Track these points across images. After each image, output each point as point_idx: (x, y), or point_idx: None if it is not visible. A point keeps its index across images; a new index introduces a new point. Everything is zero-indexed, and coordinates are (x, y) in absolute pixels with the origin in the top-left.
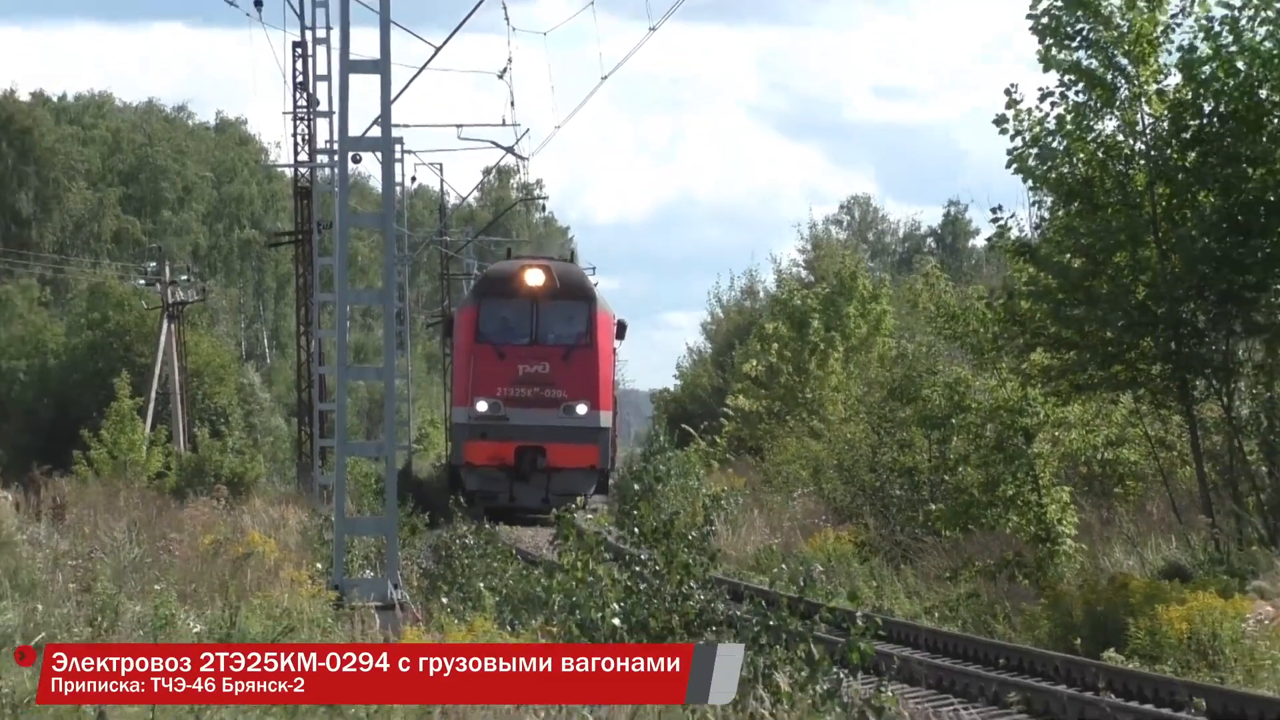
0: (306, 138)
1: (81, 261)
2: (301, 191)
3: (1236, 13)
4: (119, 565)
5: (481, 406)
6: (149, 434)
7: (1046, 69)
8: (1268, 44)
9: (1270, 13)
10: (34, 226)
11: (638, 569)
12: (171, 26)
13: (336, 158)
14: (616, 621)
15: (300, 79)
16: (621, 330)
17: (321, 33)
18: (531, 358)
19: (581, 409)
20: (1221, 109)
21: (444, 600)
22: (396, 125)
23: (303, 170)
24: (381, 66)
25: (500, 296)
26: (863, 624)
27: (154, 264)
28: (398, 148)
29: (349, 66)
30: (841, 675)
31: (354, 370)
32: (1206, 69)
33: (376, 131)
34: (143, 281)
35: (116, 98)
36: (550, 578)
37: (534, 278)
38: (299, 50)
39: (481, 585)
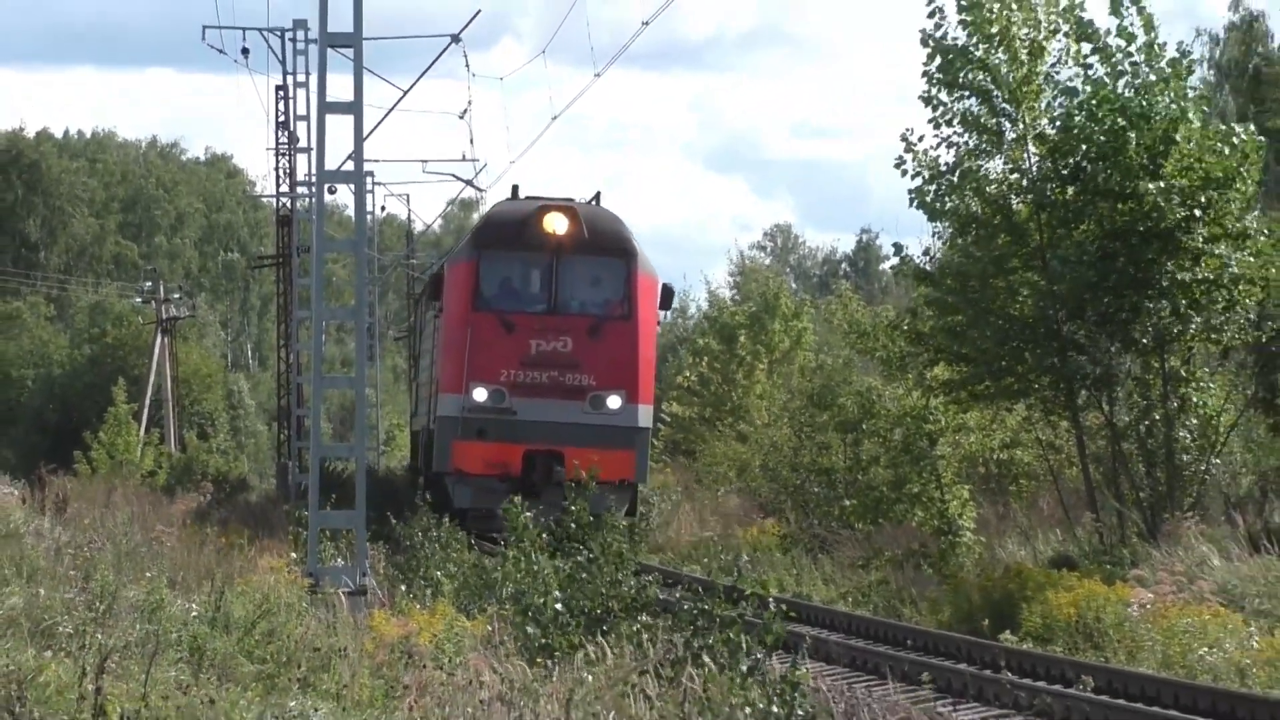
0: (287, 171)
1: (84, 281)
2: (283, 219)
3: (1103, 70)
4: (116, 554)
5: (479, 395)
6: (143, 436)
7: (937, 127)
8: (1127, 92)
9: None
10: (41, 250)
11: (577, 559)
12: (164, 72)
13: (314, 189)
14: (559, 607)
15: (282, 119)
16: (668, 298)
17: (301, 77)
18: (549, 331)
19: (614, 401)
20: (1093, 152)
21: (403, 588)
22: (368, 160)
23: (284, 200)
24: (355, 108)
25: (508, 247)
26: (774, 609)
27: (149, 284)
28: (369, 180)
29: (326, 108)
30: (761, 655)
31: (328, 379)
32: (1079, 118)
33: (350, 166)
34: (139, 299)
35: (117, 135)
36: (501, 568)
37: (555, 224)
38: (281, 93)
39: (439, 574)
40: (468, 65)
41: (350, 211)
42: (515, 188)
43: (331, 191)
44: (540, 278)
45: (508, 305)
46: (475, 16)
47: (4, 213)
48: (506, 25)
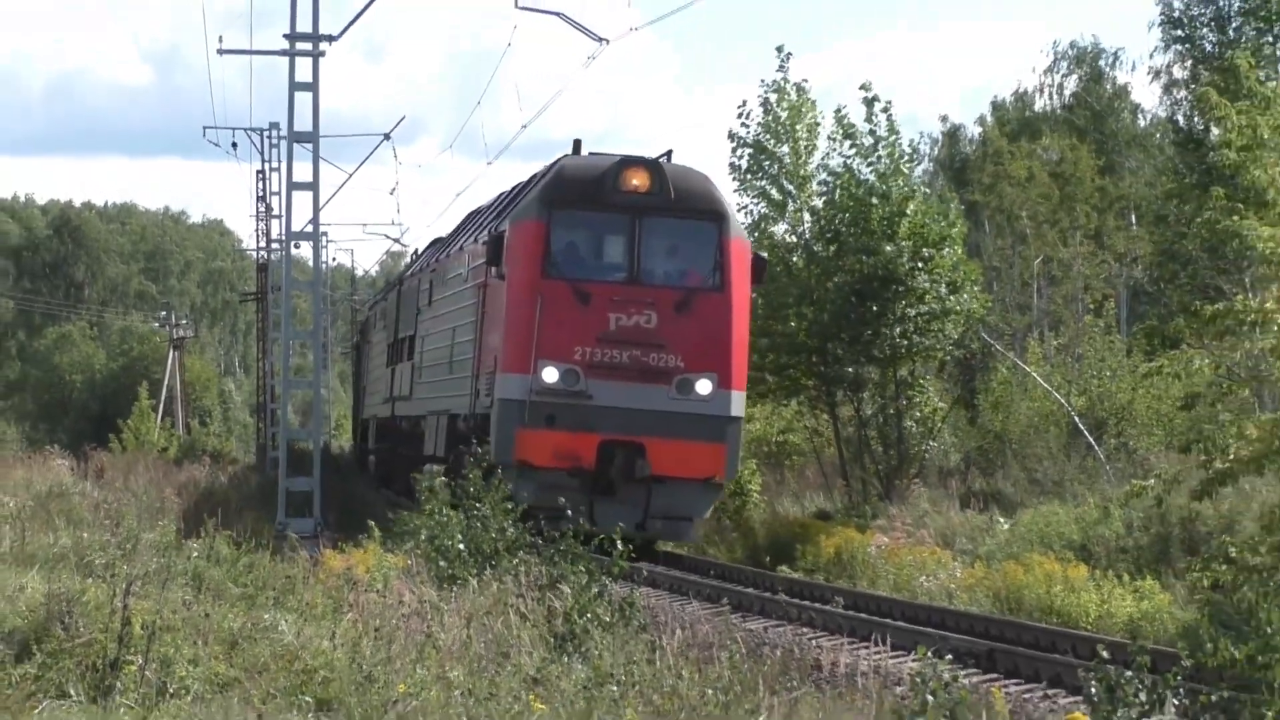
0: (264, 232)
1: (116, 311)
2: (260, 267)
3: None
4: (138, 508)
5: (550, 376)
6: (159, 423)
7: (741, 197)
8: (871, 177)
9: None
10: (85, 289)
11: (473, 512)
12: (174, 160)
13: (283, 245)
14: (461, 547)
15: (260, 194)
16: (760, 269)
17: (274, 164)
18: (630, 304)
19: (705, 386)
20: (847, 220)
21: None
22: (323, 224)
23: (261, 253)
24: (313, 186)
25: (584, 207)
26: (620, 549)
27: (164, 313)
28: (323, 239)
29: (292, 186)
30: (607, 582)
31: (293, 382)
32: (838, 195)
33: (310, 228)
34: (156, 324)
35: (139, 205)
36: (418, 518)
37: (637, 180)
38: (260, 175)
39: (371, 523)
40: (395, 155)
41: (310, 261)
42: (578, 142)
43: (296, 246)
44: (620, 242)
45: (582, 273)
46: (401, 120)
47: (58, 262)
48: (424, 127)
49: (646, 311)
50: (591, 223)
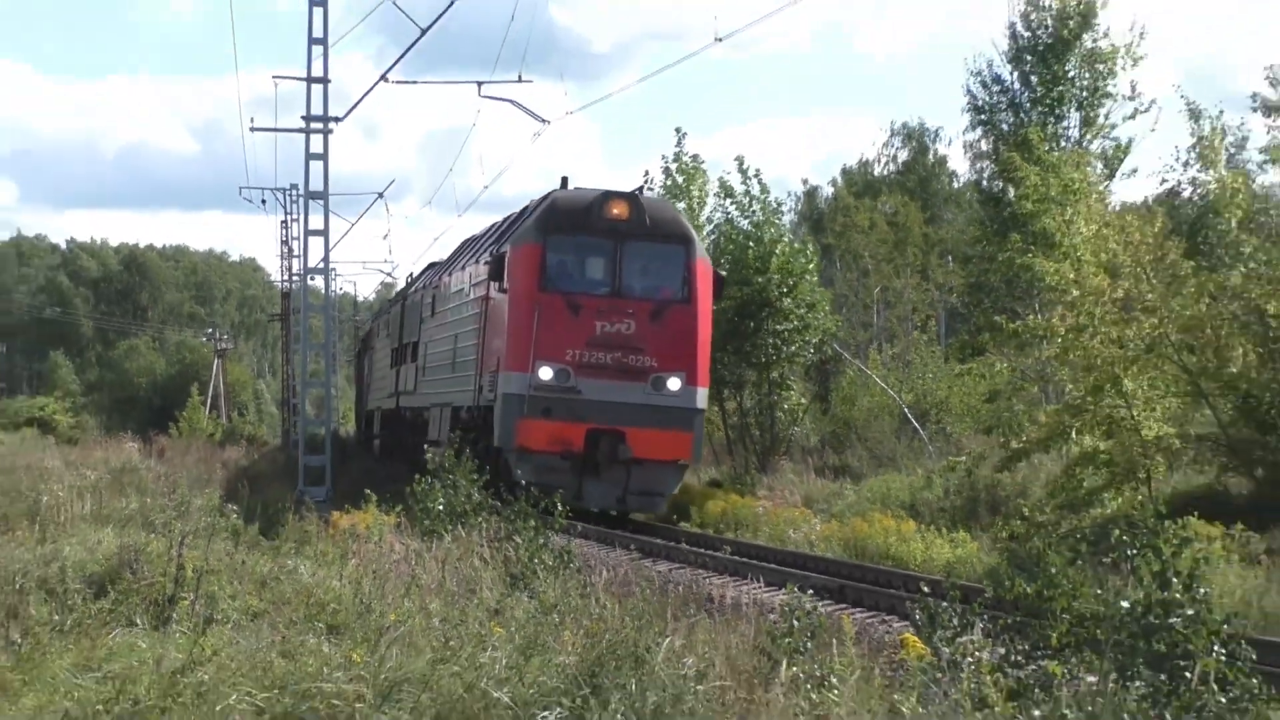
0: (287, 267)
1: (173, 329)
2: (284, 294)
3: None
4: (190, 479)
5: (545, 374)
6: (207, 415)
7: None
8: (747, 226)
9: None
10: (148, 311)
11: (449, 481)
12: (217, 212)
13: (301, 278)
14: (440, 508)
15: (284, 238)
16: (720, 285)
17: (295, 215)
18: (613, 313)
19: (674, 383)
20: (730, 259)
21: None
22: (331, 262)
23: (285, 284)
24: (324, 233)
25: (573, 232)
26: (561, 509)
27: (210, 330)
28: (332, 273)
29: (308, 233)
30: (551, 535)
31: (310, 383)
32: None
33: (321, 265)
34: (204, 339)
35: (190, 247)
36: (409, 487)
37: (618, 210)
38: (283, 224)
39: (368, 491)
40: (387, 209)
41: (322, 290)
42: (565, 179)
43: (311, 279)
44: (604, 262)
45: (573, 287)
46: (391, 183)
47: (127, 290)
48: (409, 188)
49: (627, 320)
50: (580, 245)
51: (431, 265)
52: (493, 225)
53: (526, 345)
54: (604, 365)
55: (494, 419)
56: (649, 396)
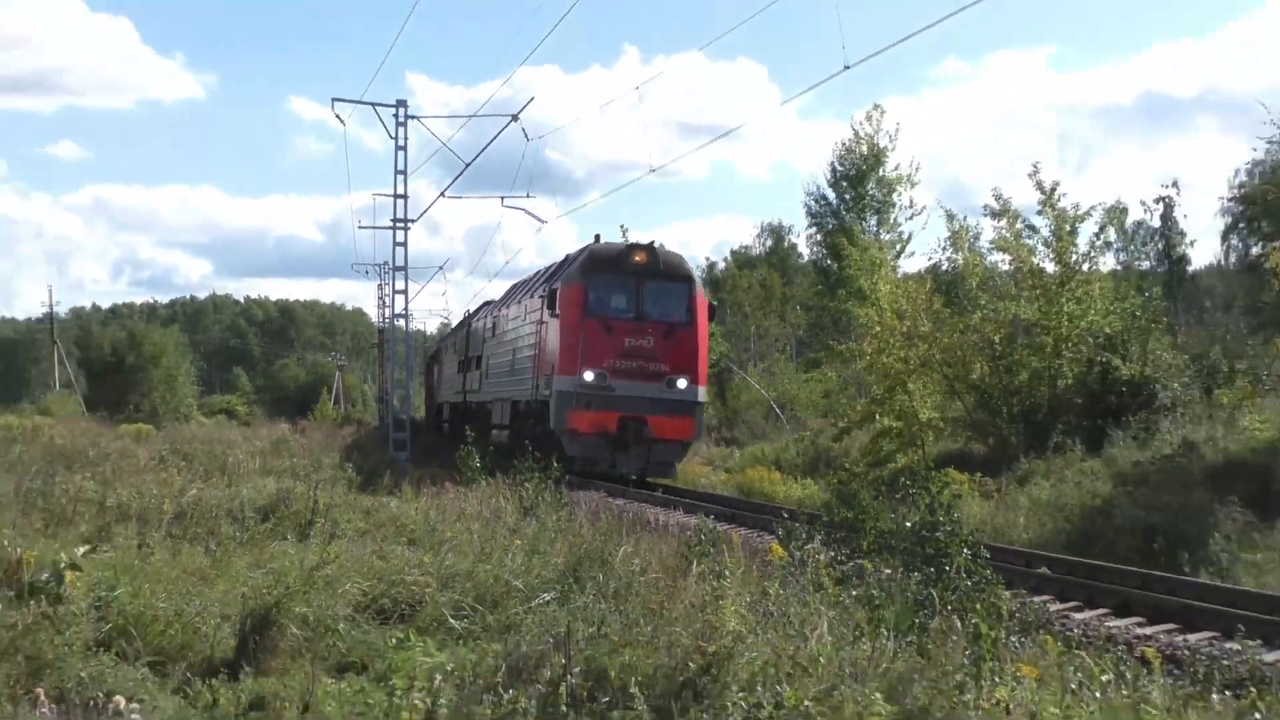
0: (382, 314)
1: (311, 353)
2: (380, 330)
3: None
4: (320, 447)
5: (588, 376)
6: (332, 408)
7: None
8: None
9: None
10: (294, 342)
11: (485, 449)
12: (336, 280)
13: (392, 320)
14: (477, 465)
15: (380, 295)
16: (713, 312)
17: (386, 281)
18: (637, 333)
19: (682, 383)
20: None
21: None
22: (410, 309)
23: (380, 324)
24: (404, 292)
25: (609, 272)
26: (557, 466)
27: (334, 353)
28: (410, 316)
29: (395, 292)
30: (549, 483)
31: (396, 386)
32: None
33: (403, 312)
34: (331, 359)
35: (321, 301)
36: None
37: (639, 258)
38: (380, 286)
39: (435, 460)
40: (444, 277)
41: (403, 327)
42: (598, 235)
43: (396, 320)
44: (629, 295)
45: (608, 313)
46: (446, 260)
47: (281, 329)
48: (458, 262)
49: (647, 337)
50: (612, 283)
51: (486, 303)
52: (537, 272)
53: (574, 356)
54: (631, 370)
55: (549, 410)
56: (664, 393)
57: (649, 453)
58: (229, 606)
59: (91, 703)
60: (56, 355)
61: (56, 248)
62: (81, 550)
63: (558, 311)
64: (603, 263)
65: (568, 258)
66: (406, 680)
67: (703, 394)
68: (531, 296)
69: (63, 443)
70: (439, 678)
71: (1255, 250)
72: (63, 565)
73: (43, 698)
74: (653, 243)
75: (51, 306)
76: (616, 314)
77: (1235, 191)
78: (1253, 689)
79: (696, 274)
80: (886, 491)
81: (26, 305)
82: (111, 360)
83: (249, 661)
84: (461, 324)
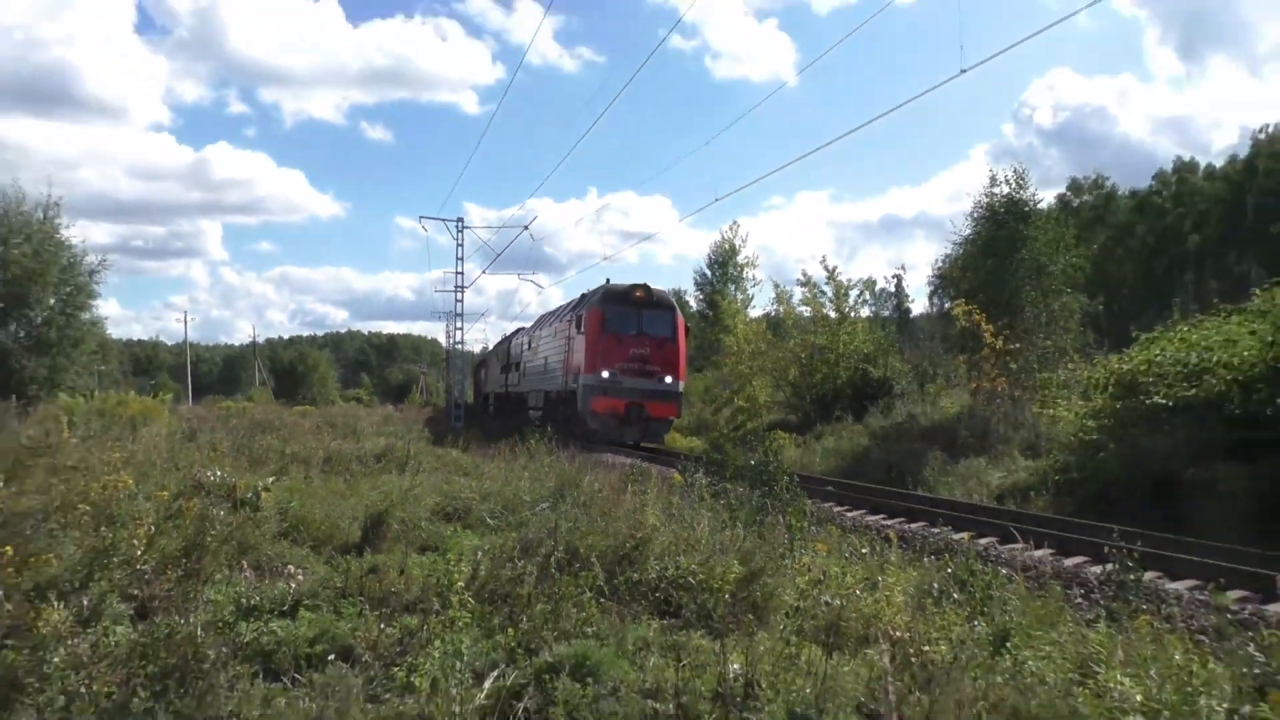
0: (449, 341)
1: (408, 367)
2: (447, 352)
3: None
4: (409, 420)
5: (605, 374)
6: (418, 397)
7: None
8: None
9: None
10: (395, 359)
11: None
12: (423, 321)
13: (452, 348)
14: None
15: (448, 331)
16: (688, 332)
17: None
18: (638, 344)
19: (668, 379)
20: None
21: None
22: (465, 340)
23: (448, 348)
24: (460, 329)
25: (619, 304)
26: (543, 434)
27: (419, 365)
28: (461, 345)
29: (454, 329)
30: (542, 441)
31: (455, 384)
32: None
33: (459, 342)
34: (417, 367)
35: (413, 334)
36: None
37: (639, 293)
38: (447, 326)
39: (475, 430)
40: (484, 321)
41: (460, 349)
42: (608, 279)
43: (456, 346)
44: (633, 318)
45: (618, 330)
46: (485, 312)
47: (389, 350)
48: (492, 311)
49: (645, 348)
50: (621, 310)
51: (519, 329)
52: (558, 307)
53: (595, 360)
54: (634, 370)
55: (576, 398)
56: (656, 386)
57: (646, 427)
58: (357, 512)
59: (274, 569)
60: (257, 366)
61: (257, 303)
62: (270, 480)
63: (583, 330)
64: (615, 296)
65: (584, 295)
66: (458, 555)
67: (681, 386)
68: (560, 321)
69: (259, 418)
70: (479, 553)
71: (947, 305)
72: (260, 488)
73: (245, 567)
74: (647, 284)
75: (254, 337)
76: (624, 331)
77: (936, 271)
78: (946, 554)
79: (677, 305)
80: (741, 443)
81: (241, 337)
82: (289, 369)
83: (369, 544)
84: (501, 343)
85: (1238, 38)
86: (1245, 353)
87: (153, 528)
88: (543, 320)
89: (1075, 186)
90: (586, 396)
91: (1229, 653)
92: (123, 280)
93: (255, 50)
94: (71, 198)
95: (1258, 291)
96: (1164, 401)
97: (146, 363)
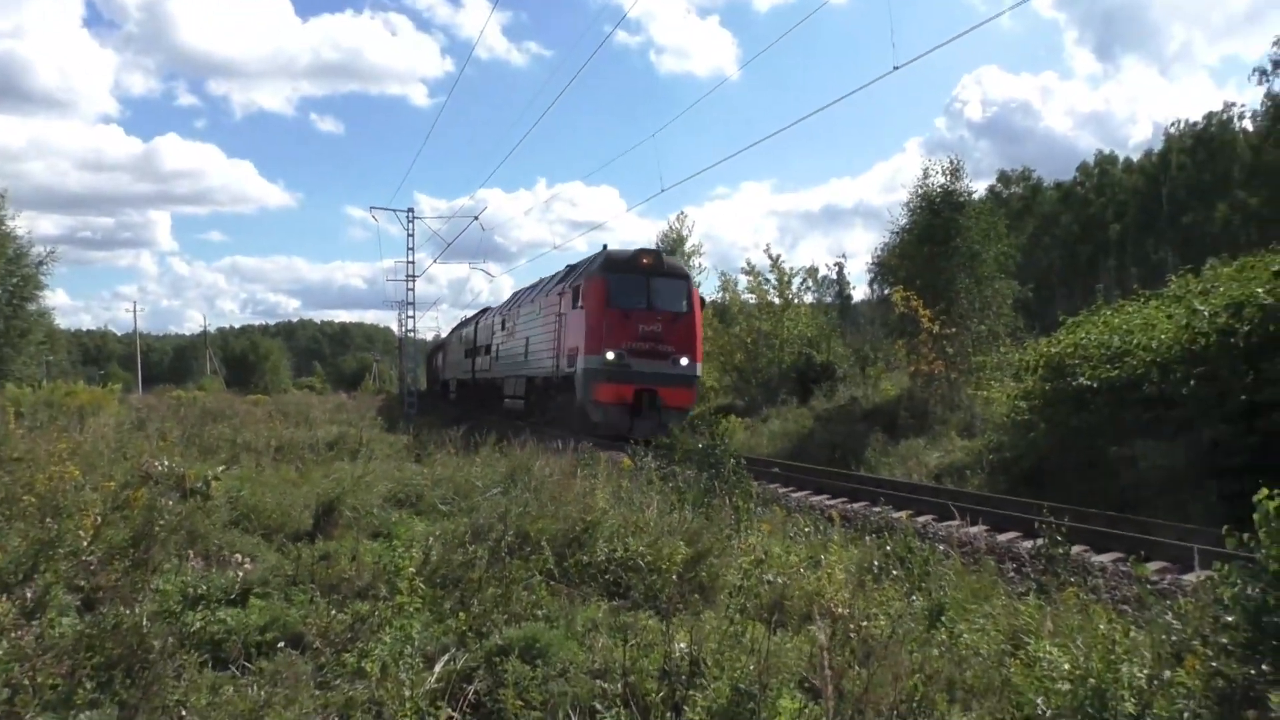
0: (402, 330)
1: (360, 354)
2: (400, 340)
3: None
4: (362, 407)
5: (610, 356)
6: (371, 384)
7: None
8: None
9: None
10: (350, 347)
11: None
12: (375, 310)
13: (403, 337)
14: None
15: (400, 319)
16: (703, 303)
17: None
18: (648, 320)
19: (684, 361)
20: None
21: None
22: (417, 328)
23: (400, 336)
24: (412, 317)
25: (623, 272)
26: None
27: (372, 353)
28: (414, 333)
29: (406, 317)
30: (526, 430)
31: (407, 370)
32: None
33: (411, 331)
34: (370, 355)
35: (365, 323)
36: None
37: (647, 259)
38: (399, 315)
39: (430, 417)
40: (436, 310)
41: (413, 336)
42: (605, 245)
43: (407, 334)
44: (642, 290)
45: (625, 304)
46: (437, 301)
47: (342, 338)
48: (444, 299)
49: (657, 324)
50: (627, 280)
51: (483, 310)
52: (539, 281)
53: (599, 338)
54: (644, 350)
55: (575, 384)
56: (671, 369)
57: (659, 417)
58: (309, 499)
59: (223, 558)
60: (208, 355)
61: (208, 292)
62: (220, 468)
63: (581, 304)
64: (619, 264)
65: (572, 267)
66: (407, 541)
67: (700, 369)
68: (546, 295)
69: (211, 407)
70: (430, 539)
71: (886, 292)
72: (210, 477)
73: (194, 556)
74: (657, 249)
75: (205, 327)
76: (632, 305)
77: (875, 259)
78: (886, 532)
79: (692, 274)
80: (691, 428)
81: (191, 326)
82: (241, 359)
83: (321, 531)
84: (462, 325)
85: (1148, 40)
86: (1163, 335)
87: (100, 518)
88: (519, 296)
89: (1004, 178)
90: (588, 383)
91: (1149, 621)
92: (71, 271)
93: (204, 43)
94: (18, 189)
95: (1173, 278)
96: (1089, 382)
97: (96, 352)
